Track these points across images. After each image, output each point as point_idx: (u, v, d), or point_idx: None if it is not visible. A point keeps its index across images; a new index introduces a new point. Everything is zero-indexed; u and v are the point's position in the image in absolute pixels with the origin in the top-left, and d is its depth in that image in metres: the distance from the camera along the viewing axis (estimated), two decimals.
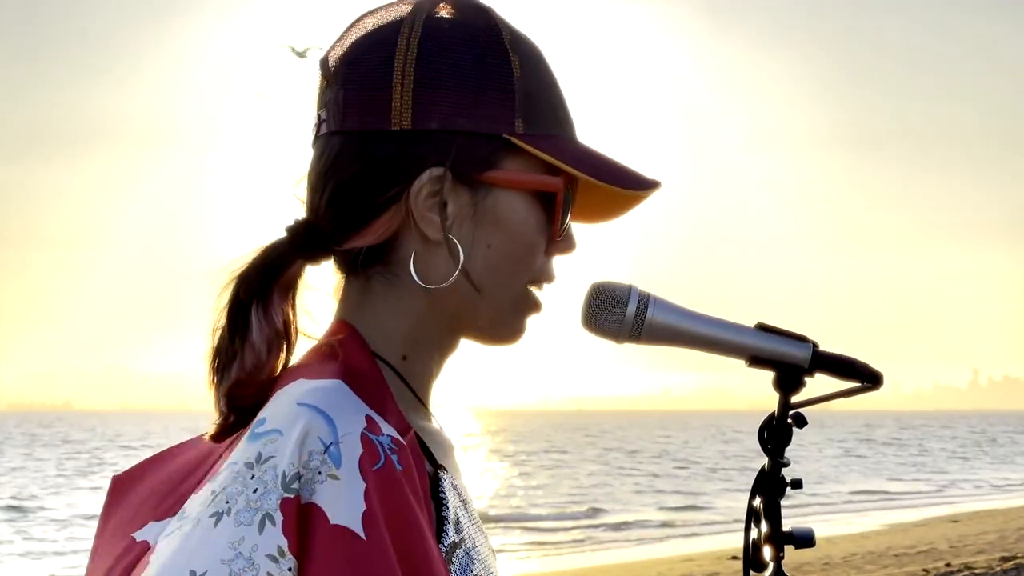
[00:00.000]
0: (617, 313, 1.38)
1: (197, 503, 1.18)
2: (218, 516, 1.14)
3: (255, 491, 1.14)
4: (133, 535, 1.32)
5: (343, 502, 1.14)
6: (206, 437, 1.34)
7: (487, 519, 26.86)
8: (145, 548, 1.28)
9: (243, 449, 1.18)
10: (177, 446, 1.42)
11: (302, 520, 1.14)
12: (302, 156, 1.40)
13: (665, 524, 28.14)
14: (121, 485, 1.40)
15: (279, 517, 1.13)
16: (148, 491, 1.36)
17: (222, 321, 1.32)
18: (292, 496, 1.14)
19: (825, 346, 1.41)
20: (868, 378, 1.41)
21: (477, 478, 42.62)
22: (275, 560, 1.12)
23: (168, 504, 1.32)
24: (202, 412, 1.36)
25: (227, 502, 1.15)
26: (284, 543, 1.12)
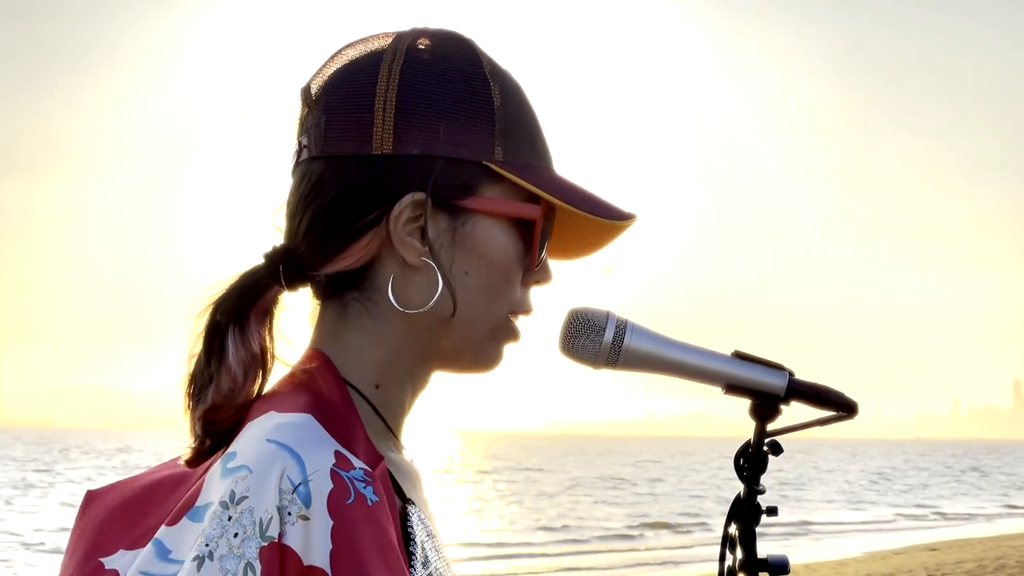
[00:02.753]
0: (594, 339, 1.38)
1: (187, 545, 1.18)
2: (200, 560, 1.14)
3: (235, 535, 1.14)
4: (102, 560, 1.30)
5: (313, 543, 1.14)
6: (181, 461, 1.33)
7: (464, 544, 26.80)
8: (114, 574, 1.27)
9: (217, 485, 1.19)
10: (152, 469, 1.41)
11: (282, 564, 1.14)
12: (278, 182, 1.41)
13: (644, 550, 28.09)
14: (93, 501, 1.38)
15: (258, 566, 1.13)
16: (118, 512, 1.35)
17: (198, 347, 1.32)
18: (267, 544, 1.14)
19: (809, 375, 1.42)
20: (843, 407, 1.42)
21: (453, 502, 42.50)
22: None
23: (140, 532, 1.30)
24: (182, 431, 1.35)
25: (207, 545, 1.15)
26: None
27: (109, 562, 1.30)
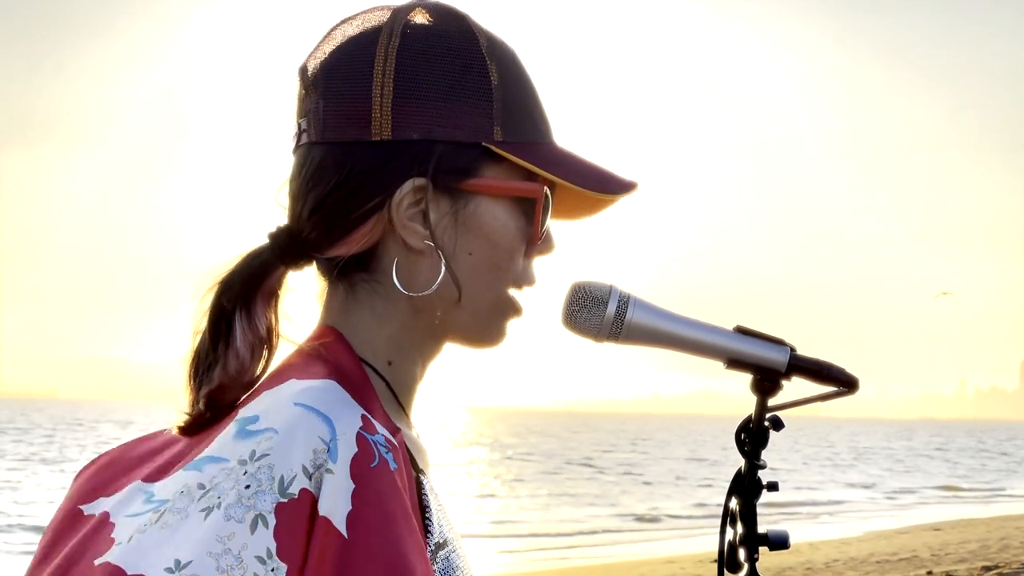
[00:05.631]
0: (597, 312, 1.39)
1: (176, 491, 1.19)
2: (208, 511, 1.15)
3: (247, 487, 1.15)
4: (81, 507, 1.32)
5: (333, 497, 1.15)
6: (173, 430, 1.34)
7: (472, 523, 26.85)
8: (92, 519, 1.28)
9: (234, 446, 1.19)
10: (140, 438, 1.41)
11: (311, 520, 1.15)
12: (279, 159, 1.41)
13: (649, 525, 28.14)
14: (79, 475, 1.40)
15: (272, 520, 1.14)
16: (105, 470, 1.36)
17: (204, 325, 1.33)
18: (287, 500, 1.15)
19: (813, 352, 1.43)
20: (844, 383, 1.42)
21: (462, 478, 42.58)
22: (263, 561, 1.13)
23: (120, 484, 1.31)
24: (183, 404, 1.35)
25: (219, 497, 1.15)
26: (273, 546, 1.13)
27: (88, 508, 1.31)
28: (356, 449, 1.17)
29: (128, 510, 1.22)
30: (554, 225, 1.42)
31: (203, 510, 1.15)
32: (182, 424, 1.32)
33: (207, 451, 1.21)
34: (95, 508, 1.30)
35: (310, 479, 1.15)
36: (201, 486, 1.17)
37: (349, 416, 1.20)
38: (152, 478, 1.26)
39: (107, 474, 1.35)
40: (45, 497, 30.44)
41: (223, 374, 1.31)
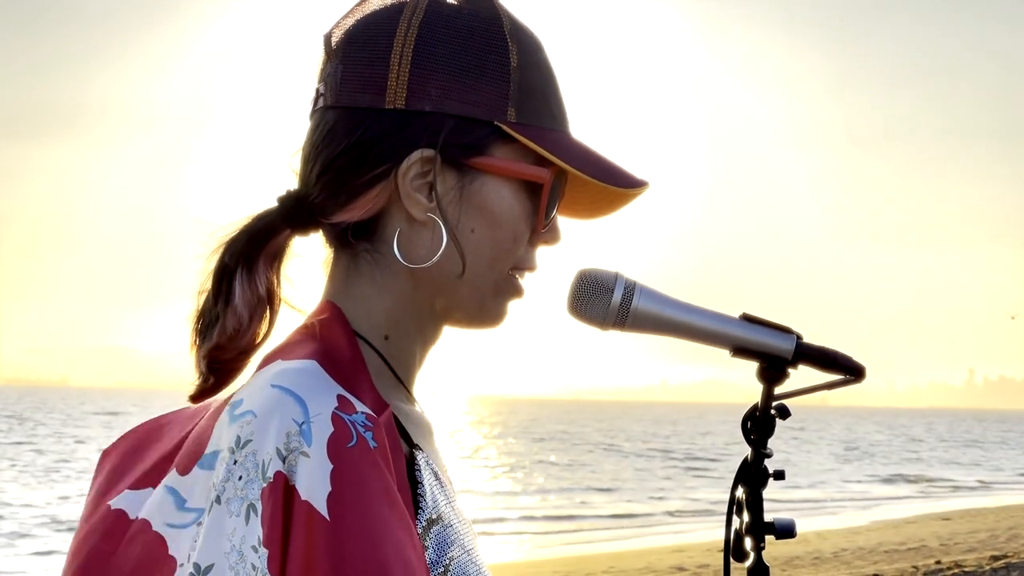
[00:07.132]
0: (603, 300, 1.38)
1: (198, 493, 1.22)
2: (211, 505, 1.17)
3: (240, 478, 1.17)
4: (109, 503, 1.33)
5: (312, 480, 1.15)
6: (187, 398, 1.37)
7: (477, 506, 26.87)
8: (121, 516, 1.30)
9: (226, 433, 1.21)
10: (160, 416, 1.43)
11: (287, 502, 1.15)
12: (295, 131, 1.41)
13: (656, 514, 28.16)
14: (105, 457, 1.41)
15: (260, 507, 1.15)
16: (124, 458, 1.38)
17: (208, 284, 1.35)
18: (267, 484, 1.15)
19: (822, 341, 1.42)
20: (850, 371, 1.41)
21: (468, 464, 42.64)
22: (256, 550, 1.14)
23: (141, 470, 1.34)
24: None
25: (215, 490, 1.18)
26: (261, 533, 1.14)
27: (115, 503, 1.32)
28: (332, 429, 1.17)
29: (168, 517, 1.24)
30: (563, 222, 1.42)
31: (209, 503, 1.18)
32: (192, 393, 1.35)
33: (211, 443, 1.23)
34: (122, 503, 1.31)
35: (283, 462, 1.15)
36: (212, 483, 1.19)
37: (323, 397, 1.20)
38: (180, 470, 1.26)
39: (131, 460, 1.37)
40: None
41: (221, 333, 1.32)
